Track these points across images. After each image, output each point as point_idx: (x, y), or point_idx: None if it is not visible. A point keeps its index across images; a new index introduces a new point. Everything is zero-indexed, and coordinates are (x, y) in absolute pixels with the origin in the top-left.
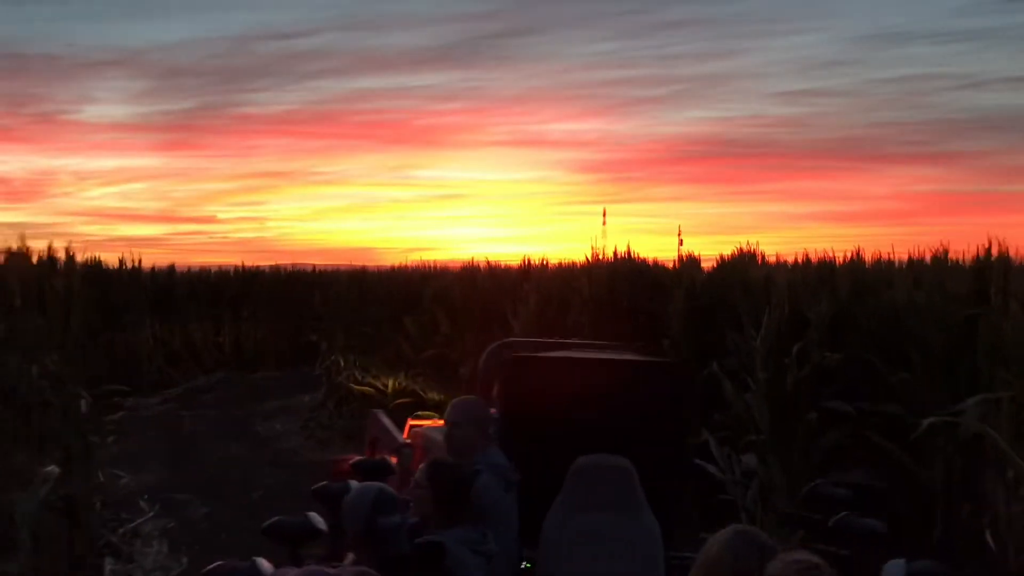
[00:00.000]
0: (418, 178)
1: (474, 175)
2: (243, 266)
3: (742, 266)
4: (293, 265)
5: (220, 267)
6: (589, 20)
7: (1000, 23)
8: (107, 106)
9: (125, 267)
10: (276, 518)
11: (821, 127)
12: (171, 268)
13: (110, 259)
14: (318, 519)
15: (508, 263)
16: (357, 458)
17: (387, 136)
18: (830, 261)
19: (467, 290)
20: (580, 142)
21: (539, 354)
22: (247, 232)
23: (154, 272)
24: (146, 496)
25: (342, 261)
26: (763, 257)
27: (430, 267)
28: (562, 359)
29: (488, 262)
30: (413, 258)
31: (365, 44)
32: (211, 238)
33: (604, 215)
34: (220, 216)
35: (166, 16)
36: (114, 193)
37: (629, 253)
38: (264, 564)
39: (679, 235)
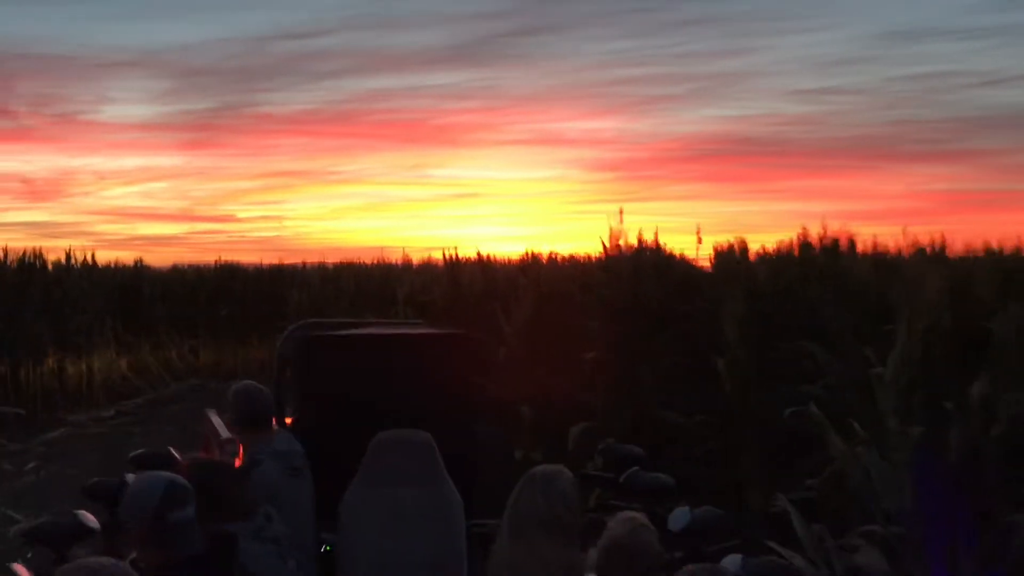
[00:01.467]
0: (434, 177)
1: (490, 174)
2: (220, 262)
3: (823, 258)
4: (278, 262)
5: (196, 264)
6: (605, 19)
7: (1019, 20)
8: (127, 106)
9: (74, 264)
10: (40, 519)
11: (837, 125)
12: (138, 265)
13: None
14: (89, 518)
15: (508, 257)
16: (137, 452)
17: (403, 135)
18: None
19: (449, 288)
20: (596, 140)
21: (331, 333)
22: (266, 231)
23: (117, 269)
24: (30, 555)
25: (358, 259)
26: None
27: (419, 262)
28: (353, 336)
29: (479, 255)
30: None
31: (381, 43)
32: (230, 237)
33: (621, 213)
34: (239, 215)
35: (185, 17)
36: (134, 192)
37: (657, 243)
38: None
39: (698, 233)
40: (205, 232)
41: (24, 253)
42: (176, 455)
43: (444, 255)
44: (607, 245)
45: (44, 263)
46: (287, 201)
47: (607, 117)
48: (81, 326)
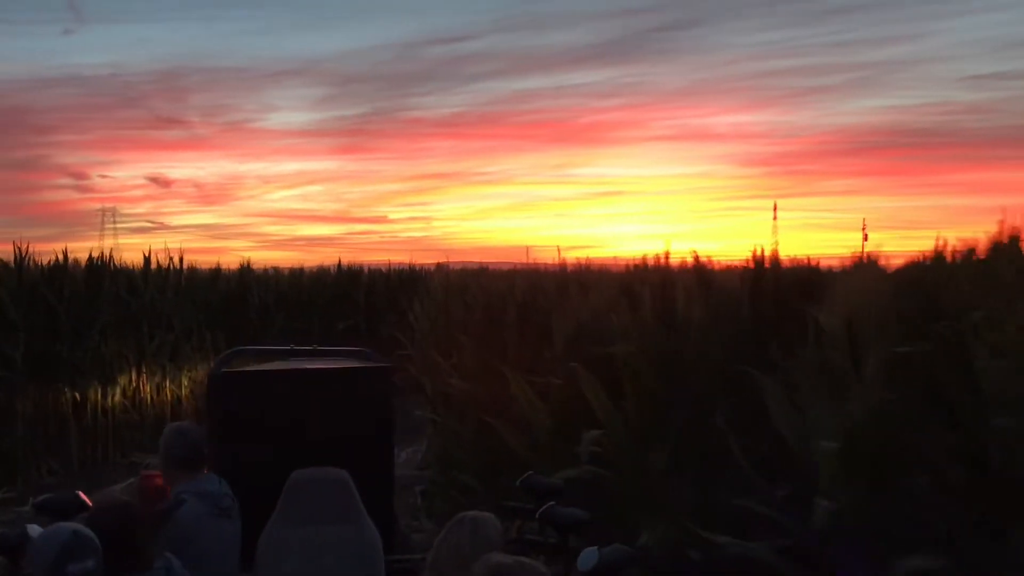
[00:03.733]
0: (579, 176)
1: (636, 171)
2: (341, 265)
3: None
4: (411, 263)
5: (323, 266)
6: (757, 8)
7: None
8: (288, 113)
9: (158, 268)
10: None
11: (1016, 112)
12: (245, 269)
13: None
14: None
15: (728, 262)
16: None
17: (549, 135)
18: None
19: (658, 328)
20: (747, 135)
21: (242, 369)
22: (415, 231)
23: (218, 274)
24: None
25: (503, 259)
26: None
27: (572, 264)
28: (265, 372)
29: (697, 259)
30: (576, 256)
31: (527, 44)
32: (382, 237)
33: (775, 210)
34: (391, 216)
35: (342, 26)
36: (294, 195)
37: None
38: None
39: (863, 229)
40: (360, 233)
41: (91, 255)
42: (85, 499)
43: (648, 260)
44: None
45: (115, 267)
46: (435, 202)
47: (759, 110)
48: (165, 344)
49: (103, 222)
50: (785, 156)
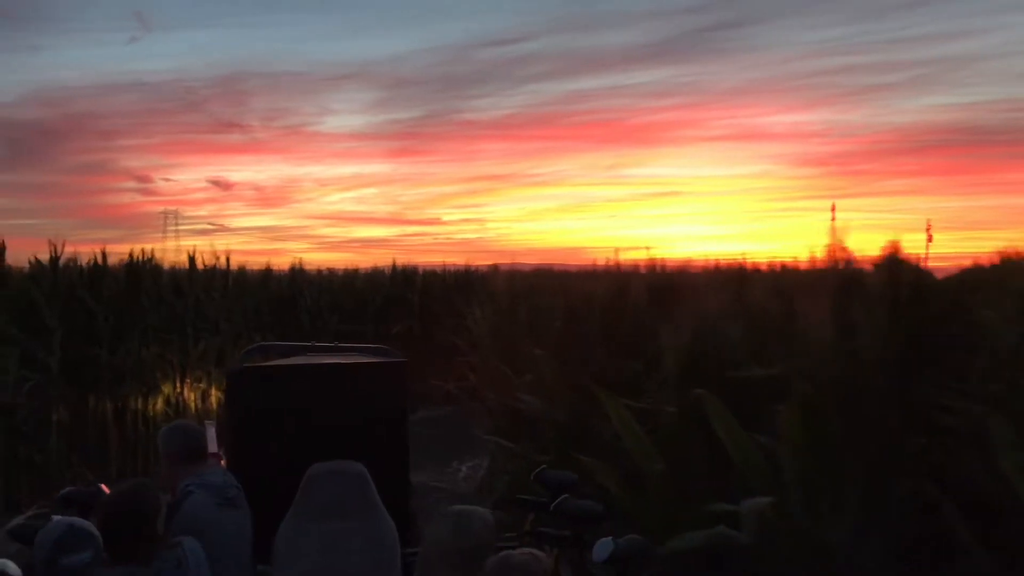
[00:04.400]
0: (633, 176)
1: (690, 172)
2: (396, 266)
3: None
4: (467, 265)
5: (378, 267)
6: (813, 6)
7: None
8: (345, 116)
9: (204, 268)
10: None
11: None
12: (297, 270)
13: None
14: (10, 566)
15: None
16: (66, 490)
17: (602, 136)
18: None
19: None
20: (804, 134)
21: (257, 364)
22: (469, 233)
23: (269, 275)
24: None
25: (555, 260)
26: None
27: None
28: (281, 367)
29: (844, 255)
30: (633, 256)
31: (580, 45)
32: (435, 239)
33: (833, 210)
34: (444, 218)
35: (392, 29)
36: (350, 198)
37: None
38: None
39: (928, 230)
40: (414, 235)
41: (131, 255)
42: (106, 491)
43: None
44: None
45: (153, 267)
46: (489, 204)
47: (816, 109)
48: (210, 348)
49: (165, 224)
50: (842, 156)
